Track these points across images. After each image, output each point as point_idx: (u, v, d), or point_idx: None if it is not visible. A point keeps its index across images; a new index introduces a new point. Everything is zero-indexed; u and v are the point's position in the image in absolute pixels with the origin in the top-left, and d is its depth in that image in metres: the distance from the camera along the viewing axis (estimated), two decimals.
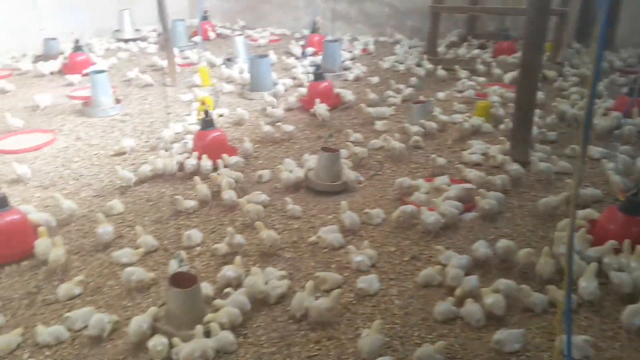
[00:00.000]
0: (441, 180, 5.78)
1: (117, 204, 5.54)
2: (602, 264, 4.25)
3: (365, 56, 11.96)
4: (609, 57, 10.50)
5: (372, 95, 8.58)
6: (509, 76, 9.26)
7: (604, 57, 10.49)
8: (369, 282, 4.22)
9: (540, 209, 5.21)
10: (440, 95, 8.80)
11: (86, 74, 9.77)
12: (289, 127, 7.30)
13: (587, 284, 3.97)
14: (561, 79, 9.27)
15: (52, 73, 10.54)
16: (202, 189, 5.61)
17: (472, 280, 4.10)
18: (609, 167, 6.01)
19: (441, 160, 6.21)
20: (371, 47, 12.41)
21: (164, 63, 10.66)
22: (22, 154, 6.98)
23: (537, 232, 4.99)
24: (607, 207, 5.02)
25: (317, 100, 7.98)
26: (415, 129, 7.14)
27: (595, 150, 6.47)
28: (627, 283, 4.02)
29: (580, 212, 4.98)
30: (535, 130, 6.68)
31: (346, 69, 10.60)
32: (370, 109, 7.93)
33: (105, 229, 4.90)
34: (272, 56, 10.83)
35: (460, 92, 9.03)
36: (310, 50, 11.74)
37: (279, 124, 7.46)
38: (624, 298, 4.02)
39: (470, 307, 3.88)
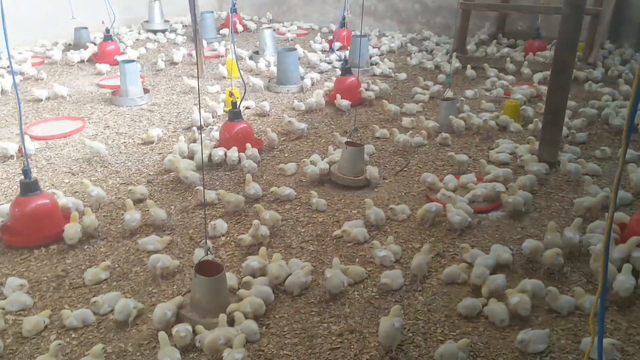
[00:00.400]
0: (467, 178, 5.73)
1: (140, 188, 5.59)
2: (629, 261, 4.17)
3: (393, 52, 11.88)
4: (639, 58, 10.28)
5: (383, 86, 8.54)
6: (538, 76, 9.13)
7: (634, 58, 10.27)
8: (392, 277, 4.21)
9: (574, 209, 5.14)
10: (469, 93, 8.71)
11: (116, 62, 9.90)
12: (301, 125, 7.17)
13: (625, 278, 3.91)
14: (591, 81, 9.07)
15: (82, 62, 10.68)
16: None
17: (499, 279, 4.05)
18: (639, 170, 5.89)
19: (462, 157, 6.17)
20: (399, 43, 12.32)
21: (177, 57, 10.76)
22: (52, 140, 7.10)
23: (564, 233, 4.90)
24: (637, 210, 4.93)
25: (339, 96, 8.01)
26: (431, 124, 7.10)
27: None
28: None
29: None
30: (564, 131, 6.57)
31: (373, 64, 10.56)
32: (392, 106, 7.83)
33: (133, 216, 4.95)
34: (299, 50, 10.83)
35: (489, 90, 8.93)
36: (337, 45, 11.70)
37: (291, 120, 7.22)
38: None
39: (495, 307, 3.84)
